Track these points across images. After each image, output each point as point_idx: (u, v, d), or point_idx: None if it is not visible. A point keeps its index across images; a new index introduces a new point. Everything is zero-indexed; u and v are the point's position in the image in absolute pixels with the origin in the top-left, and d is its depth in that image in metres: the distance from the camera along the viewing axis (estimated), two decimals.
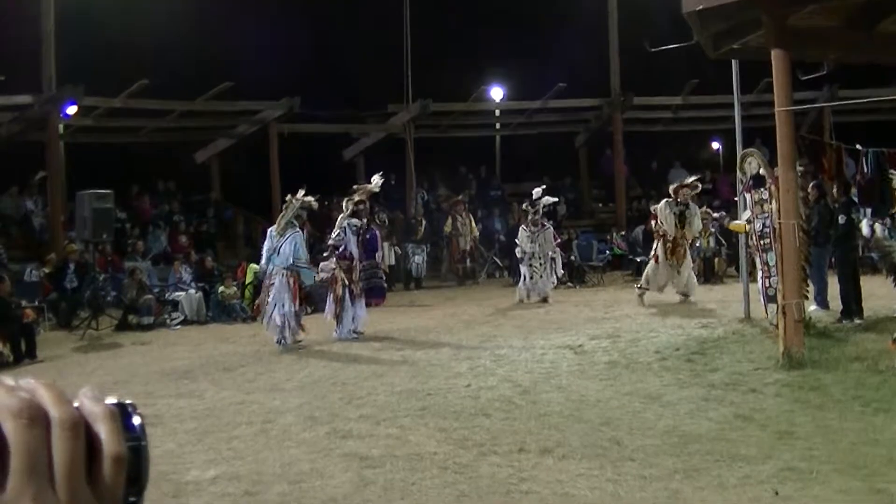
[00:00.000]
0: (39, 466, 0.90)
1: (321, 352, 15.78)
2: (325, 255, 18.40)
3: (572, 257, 26.79)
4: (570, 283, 25.67)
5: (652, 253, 20.38)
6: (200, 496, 7.87)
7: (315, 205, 17.71)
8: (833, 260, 16.90)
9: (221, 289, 21.41)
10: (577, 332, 16.33)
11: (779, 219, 13.06)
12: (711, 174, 31.58)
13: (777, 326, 13.15)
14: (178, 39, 26.45)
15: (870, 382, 10.89)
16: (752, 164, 14.99)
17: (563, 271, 23.58)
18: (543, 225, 22.24)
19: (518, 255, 22.17)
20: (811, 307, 15.60)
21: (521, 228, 22.40)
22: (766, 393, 10.83)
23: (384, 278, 19.20)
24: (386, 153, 29.73)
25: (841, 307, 15.81)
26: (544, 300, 21.55)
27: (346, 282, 17.34)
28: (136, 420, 0.98)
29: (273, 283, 16.59)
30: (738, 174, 15.83)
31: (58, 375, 13.58)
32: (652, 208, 22.08)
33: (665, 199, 20.47)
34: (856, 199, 16.20)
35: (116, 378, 13.94)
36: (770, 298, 14.42)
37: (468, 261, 27.57)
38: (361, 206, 17.61)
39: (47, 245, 24.21)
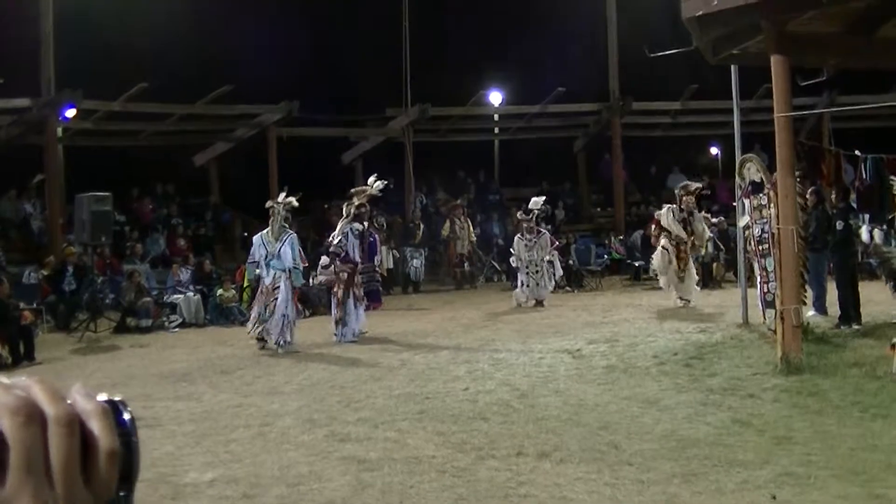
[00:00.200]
0: (37, 462, 0.92)
1: (319, 355, 15.77)
2: (325, 260, 18.47)
3: (570, 262, 26.80)
4: (568, 288, 25.70)
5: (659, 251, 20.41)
6: (198, 499, 7.87)
7: (297, 203, 17.69)
8: (831, 266, 16.92)
9: (220, 292, 21.43)
10: (575, 336, 16.33)
11: (777, 224, 13.07)
12: (710, 179, 31.57)
13: (775, 332, 13.15)
14: (177, 43, 26.48)
15: (868, 388, 10.89)
16: (751, 169, 15.00)
17: (561, 274, 23.67)
18: (539, 231, 22.36)
19: (514, 264, 22.23)
20: (809, 313, 15.60)
21: (516, 238, 22.45)
22: (764, 398, 10.82)
23: (380, 282, 19.26)
24: (385, 157, 29.79)
25: (839, 313, 15.82)
26: (540, 304, 21.61)
27: (349, 286, 17.40)
28: (127, 416, 1.01)
29: (278, 287, 16.64)
30: (737, 179, 15.83)
31: (56, 377, 13.50)
32: (655, 214, 22.07)
33: (668, 206, 20.44)
34: (854, 206, 16.20)
35: (114, 380, 13.93)
36: (768, 304, 14.42)
37: (466, 265, 27.59)
38: (363, 210, 17.70)
39: (46, 248, 24.22)
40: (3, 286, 17.04)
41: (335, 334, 17.30)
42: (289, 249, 16.89)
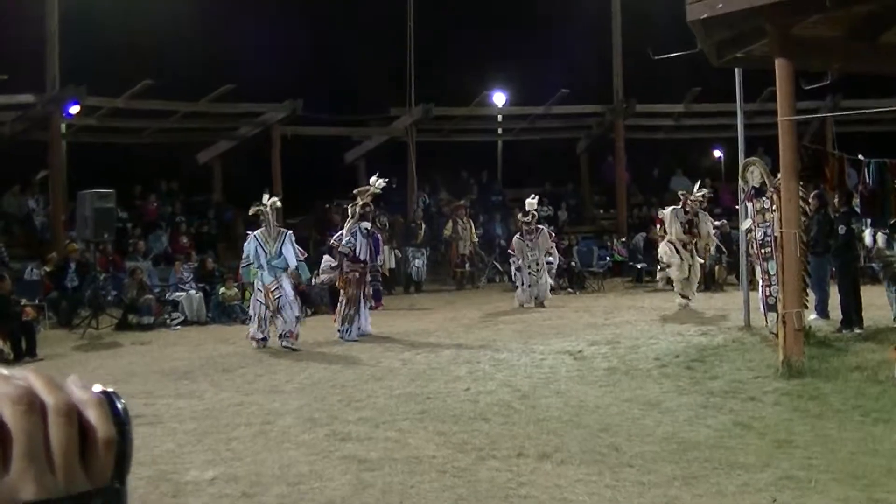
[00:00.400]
0: (38, 450, 0.95)
1: (321, 354, 15.78)
2: (328, 259, 18.60)
3: (573, 263, 26.81)
4: (570, 289, 25.72)
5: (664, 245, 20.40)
6: (199, 496, 7.87)
7: (279, 204, 17.81)
8: (833, 270, 16.93)
9: (222, 290, 21.44)
10: (576, 337, 16.34)
11: (780, 228, 13.07)
12: (713, 182, 31.54)
13: (777, 335, 13.16)
14: (181, 40, 26.48)
15: (869, 392, 10.89)
16: (755, 173, 15.00)
17: (557, 274, 23.76)
18: (537, 229, 22.40)
19: (515, 266, 22.24)
20: (811, 316, 15.62)
21: (516, 239, 22.49)
22: (765, 401, 10.83)
23: (381, 282, 19.31)
24: (388, 157, 29.78)
25: (841, 317, 15.82)
26: (540, 304, 21.66)
27: (361, 285, 17.52)
28: (121, 406, 1.03)
29: (281, 286, 16.75)
30: (740, 183, 15.84)
31: (58, 374, 13.44)
32: (659, 213, 22.06)
33: (672, 207, 20.43)
34: (858, 210, 16.20)
35: (116, 377, 13.92)
36: (770, 307, 14.44)
37: (467, 265, 27.58)
38: (368, 209, 17.81)
39: (49, 244, 24.23)
40: (5, 282, 17.05)
41: (339, 331, 17.34)
42: (289, 247, 17.11)
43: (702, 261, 21.18)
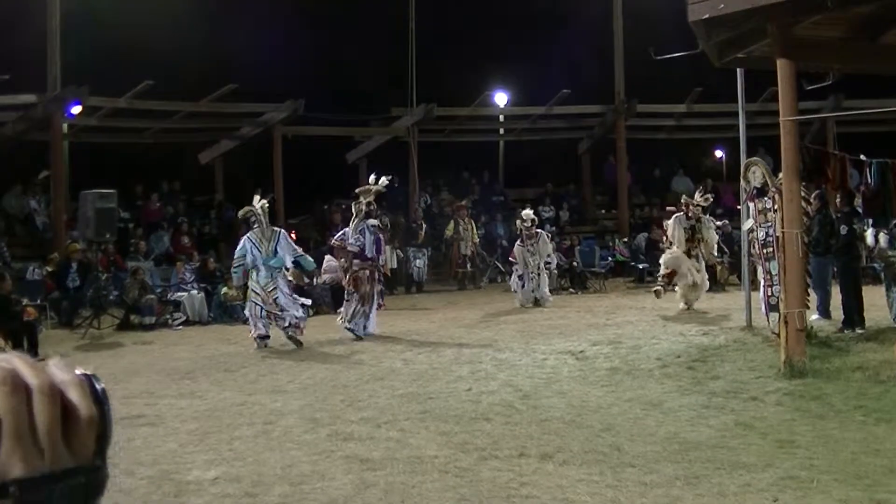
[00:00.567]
0: (24, 429, 1.00)
1: (323, 354, 15.78)
2: (334, 259, 18.73)
3: (574, 263, 26.84)
4: (572, 289, 25.75)
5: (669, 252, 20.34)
6: (201, 496, 7.87)
7: (267, 205, 17.94)
8: (835, 270, 16.93)
9: (224, 290, 21.44)
10: (578, 337, 16.34)
11: (782, 228, 13.06)
12: (714, 182, 31.54)
13: (779, 335, 13.15)
14: (182, 40, 26.47)
15: (871, 392, 10.89)
16: (756, 173, 15.00)
17: (559, 275, 23.86)
18: (537, 234, 22.56)
19: (518, 274, 22.29)
20: (813, 316, 15.62)
21: (517, 246, 22.59)
22: (767, 401, 10.82)
23: (383, 282, 19.35)
24: (389, 157, 29.78)
25: (843, 317, 15.82)
26: (539, 304, 21.74)
27: (372, 282, 17.65)
28: (100, 387, 1.08)
29: (277, 286, 16.84)
30: (742, 183, 15.83)
31: None
32: (664, 224, 22.03)
33: (675, 215, 20.34)
34: (860, 210, 16.20)
35: (118, 377, 13.91)
36: (772, 307, 14.43)
37: (469, 265, 27.60)
38: (373, 207, 17.92)
39: (50, 244, 24.26)
40: (6, 282, 17.04)
41: (349, 328, 17.46)
42: (284, 244, 17.27)
43: (715, 254, 21.17)
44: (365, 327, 17.53)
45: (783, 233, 12.92)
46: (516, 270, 22.46)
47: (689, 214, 19.96)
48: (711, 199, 21.37)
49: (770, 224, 14.37)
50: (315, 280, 22.89)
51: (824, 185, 15.48)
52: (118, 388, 13.03)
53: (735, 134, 17.86)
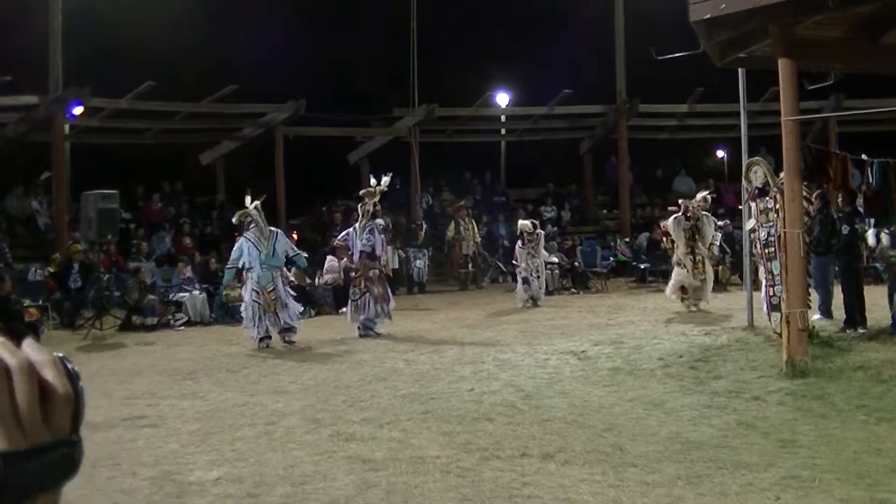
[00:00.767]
0: (6, 407, 1.06)
1: (325, 355, 15.78)
2: (336, 260, 18.87)
3: (576, 263, 26.85)
4: (573, 290, 25.76)
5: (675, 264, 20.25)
6: (203, 497, 7.88)
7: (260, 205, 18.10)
8: (837, 270, 16.94)
9: (225, 290, 21.42)
10: (580, 337, 16.35)
11: (783, 228, 13.06)
12: (716, 182, 31.54)
13: (780, 335, 13.15)
14: (184, 41, 26.47)
15: (873, 392, 10.89)
16: (758, 173, 15.00)
17: (561, 275, 23.92)
18: (538, 235, 22.68)
19: (522, 275, 22.34)
20: (815, 316, 15.61)
21: (518, 247, 22.64)
22: (769, 401, 10.82)
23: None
24: (391, 157, 29.73)
25: (844, 316, 15.82)
26: (536, 303, 21.80)
27: (383, 281, 17.98)
28: (71, 367, 1.14)
29: (276, 286, 16.97)
30: (744, 183, 15.83)
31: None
32: (662, 224, 22.00)
33: (674, 216, 20.23)
34: (861, 210, 16.20)
35: (119, 378, 13.95)
36: (774, 307, 14.43)
37: (470, 266, 27.61)
38: (378, 207, 18.09)
39: (52, 245, 24.26)
40: (5, 283, 16.96)
41: (369, 325, 17.76)
42: (283, 242, 17.52)
43: (715, 251, 21.15)
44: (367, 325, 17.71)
45: (785, 232, 12.92)
46: (520, 273, 22.48)
47: (689, 215, 19.87)
48: (710, 200, 21.25)
49: (772, 224, 14.36)
50: (317, 280, 22.91)
51: (826, 184, 15.48)
52: (120, 389, 13.05)
53: (737, 134, 17.86)
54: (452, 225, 27.95)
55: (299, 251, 18.28)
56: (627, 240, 29.76)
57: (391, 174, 18.83)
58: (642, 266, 27.66)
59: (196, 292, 21.55)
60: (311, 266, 24.08)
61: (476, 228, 27.94)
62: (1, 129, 25.73)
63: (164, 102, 27.41)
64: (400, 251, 26.75)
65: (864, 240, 17.76)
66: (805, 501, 7.20)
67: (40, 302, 20.19)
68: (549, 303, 22.47)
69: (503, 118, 34.21)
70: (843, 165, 14.76)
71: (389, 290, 18.43)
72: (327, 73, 30.84)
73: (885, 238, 15.70)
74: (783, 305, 13.06)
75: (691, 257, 19.58)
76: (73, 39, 24.64)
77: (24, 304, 18.16)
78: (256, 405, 11.65)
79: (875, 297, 16.43)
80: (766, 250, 14.70)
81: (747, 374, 12.46)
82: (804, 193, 13.39)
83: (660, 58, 21.05)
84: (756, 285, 16.58)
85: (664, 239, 21.31)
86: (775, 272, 14.25)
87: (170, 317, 20.85)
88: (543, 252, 23.06)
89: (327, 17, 30.57)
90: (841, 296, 16.23)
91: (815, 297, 15.66)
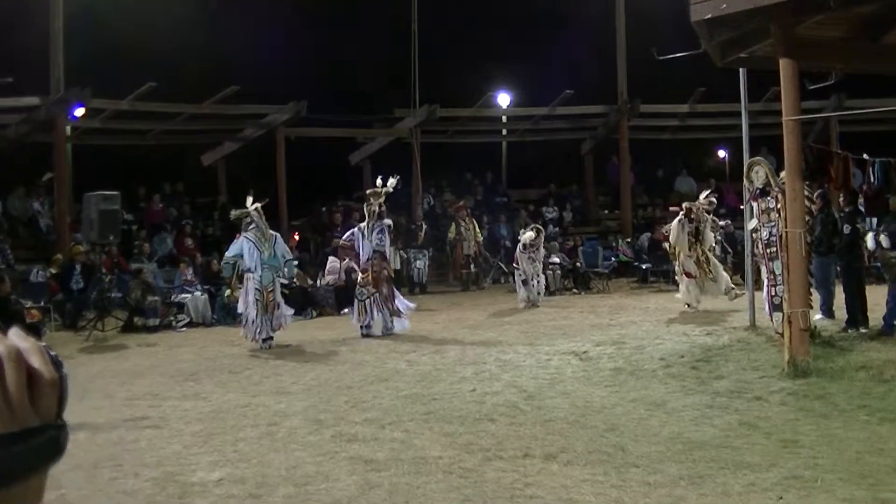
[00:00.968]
0: None
1: (326, 355, 15.79)
2: (337, 261, 19.07)
3: (578, 264, 26.86)
4: (575, 290, 25.77)
5: (679, 272, 20.17)
6: (206, 497, 7.89)
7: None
8: (838, 269, 16.94)
9: (227, 291, 21.42)
10: (582, 338, 16.35)
11: (785, 227, 13.06)
12: (717, 182, 31.51)
13: (782, 335, 13.15)
14: (185, 42, 26.49)
15: (875, 392, 10.90)
16: (759, 173, 14.98)
17: (562, 275, 23.97)
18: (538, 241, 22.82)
19: (521, 278, 22.36)
20: (816, 316, 15.60)
21: (518, 252, 22.65)
22: (771, 401, 10.83)
23: None
24: (392, 158, 29.73)
25: (846, 316, 15.82)
26: (534, 305, 21.84)
27: (389, 281, 18.28)
28: (53, 354, 1.18)
29: (275, 289, 17.19)
30: (745, 183, 15.82)
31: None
32: (664, 230, 21.93)
33: (677, 219, 20.09)
34: (862, 209, 16.19)
35: (122, 379, 13.97)
36: (776, 307, 14.42)
37: (472, 266, 27.62)
38: (384, 208, 18.22)
39: (54, 246, 24.25)
40: (5, 284, 16.95)
41: (387, 328, 18.03)
42: (281, 246, 17.73)
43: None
44: (369, 326, 17.96)
45: (786, 232, 12.92)
46: (519, 276, 22.49)
47: (692, 217, 19.76)
48: (715, 202, 21.20)
49: (773, 224, 14.34)
50: (318, 281, 22.93)
51: (827, 184, 15.49)
52: (122, 390, 13.07)
53: (738, 134, 17.83)
54: (453, 226, 27.96)
55: (292, 258, 18.55)
56: (629, 240, 29.76)
57: (398, 177, 18.85)
58: (644, 266, 27.65)
59: (198, 293, 21.56)
60: (313, 267, 24.15)
61: (477, 228, 27.95)
62: (2, 130, 25.75)
63: (165, 103, 27.43)
64: (401, 252, 26.75)
65: (865, 240, 17.75)
66: (807, 501, 7.20)
67: (42, 303, 20.22)
68: (551, 303, 22.49)
69: (504, 119, 34.19)
70: (845, 165, 14.77)
71: (396, 290, 18.62)
72: (328, 74, 30.85)
73: (884, 240, 15.67)
74: (785, 305, 13.06)
75: (695, 261, 19.53)
76: (75, 41, 24.65)
77: (27, 306, 18.17)
78: (259, 406, 11.66)
79: (877, 297, 16.40)
80: (768, 250, 14.69)
81: (749, 374, 12.46)
82: (805, 193, 13.40)
83: (661, 58, 21.05)
84: (758, 285, 16.58)
85: (667, 245, 21.23)
86: (777, 272, 14.25)
87: (172, 318, 20.86)
88: (543, 251, 23.13)
89: (328, 17, 30.58)
90: (842, 295, 16.23)
91: (816, 296, 15.66)
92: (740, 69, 16.43)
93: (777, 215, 14.00)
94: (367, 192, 18.89)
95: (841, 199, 16.46)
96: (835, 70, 16.00)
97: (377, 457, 8.87)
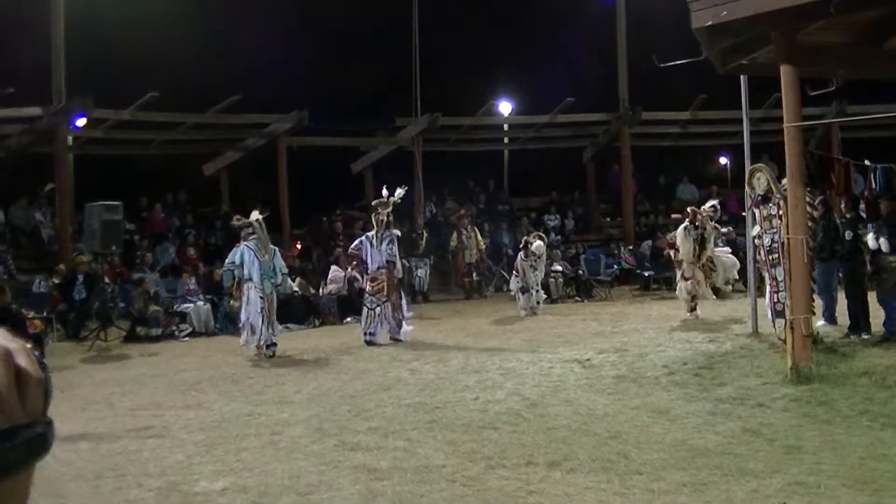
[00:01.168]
0: None
1: (329, 364, 15.80)
2: (340, 270, 19.14)
3: (580, 271, 26.86)
4: (577, 297, 25.76)
5: (680, 277, 20.13)
6: None
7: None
8: (841, 275, 16.93)
9: (231, 302, 21.43)
10: (584, 345, 16.35)
11: (787, 234, 13.07)
12: (719, 189, 31.51)
13: (785, 341, 13.15)
14: (187, 52, 26.54)
15: (878, 397, 10.88)
16: (761, 179, 14.99)
17: (565, 283, 24.01)
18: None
19: (519, 285, 22.36)
20: (819, 322, 15.59)
21: (519, 260, 22.64)
22: (773, 407, 10.82)
23: None
24: (394, 167, 29.75)
25: (849, 322, 15.81)
26: (534, 312, 21.84)
27: (398, 289, 18.57)
28: (37, 353, 1.23)
29: (273, 299, 17.29)
30: (747, 189, 15.82)
31: (66, 386, 13.58)
32: (668, 237, 21.90)
33: (682, 226, 20.01)
34: (864, 215, 16.18)
35: (124, 389, 13.96)
36: (778, 313, 14.42)
37: (474, 274, 27.61)
38: (391, 218, 18.34)
39: (56, 256, 24.24)
40: (5, 294, 16.91)
41: (394, 336, 18.22)
42: (279, 259, 17.84)
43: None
44: (372, 333, 18.13)
45: (788, 239, 12.93)
46: (517, 283, 22.48)
47: (697, 224, 19.69)
48: (719, 209, 21.15)
49: (775, 230, 14.35)
50: (321, 290, 22.94)
51: (829, 190, 15.48)
52: (125, 400, 13.07)
53: (739, 140, 17.83)
54: (454, 235, 27.97)
55: (286, 273, 18.66)
56: (631, 247, 29.75)
57: (405, 187, 18.95)
58: (646, 274, 27.66)
59: (200, 303, 21.56)
60: (315, 276, 24.16)
61: (479, 236, 27.94)
62: (4, 140, 25.74)
63: (167, 113, 27.43)
64: (404, 260, 26.73)
65: (866, 246, 17.74)
66: None
67: (45, 314, 20.19)
68: (553, 311, 22.50)
69: (506, 127, 34.21)
70: (846, 171, 14.78)
71: (403, 298, 18.86)
72: (330, 82, 30.85)
73: (884, 244, 15.65)
74: (787, 312, 13.06)
75: (698, 266, 19.50)
76: (76, 50, 24.66)
77: (30, 316, 18.16)
78: (261, 415, 11.66)
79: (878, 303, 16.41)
80: (770, 257, 14.70)
81: (752, 380, 12.46)
82: (807, 199, 13.40)
83: (662, 65, 21.07)
84: (760, 292, 16.57)
85: (672, 253, 21.15)
86: (779, 278, 14.26)
87: (174, 327, 20.86)
88: (545, 260, 23.19)
89: (329, 27, 30.61)
90: (845, 301, 16.22)
91: (819, 303, 15.65)
92: (741, 76, 16.44)
93: (779, 222, 14.01)
94: (374, 202, 19.01)
95: (842, 205, 16.45)
96: (836, 76, 16.01)
97: (380, 466, 8.87)
